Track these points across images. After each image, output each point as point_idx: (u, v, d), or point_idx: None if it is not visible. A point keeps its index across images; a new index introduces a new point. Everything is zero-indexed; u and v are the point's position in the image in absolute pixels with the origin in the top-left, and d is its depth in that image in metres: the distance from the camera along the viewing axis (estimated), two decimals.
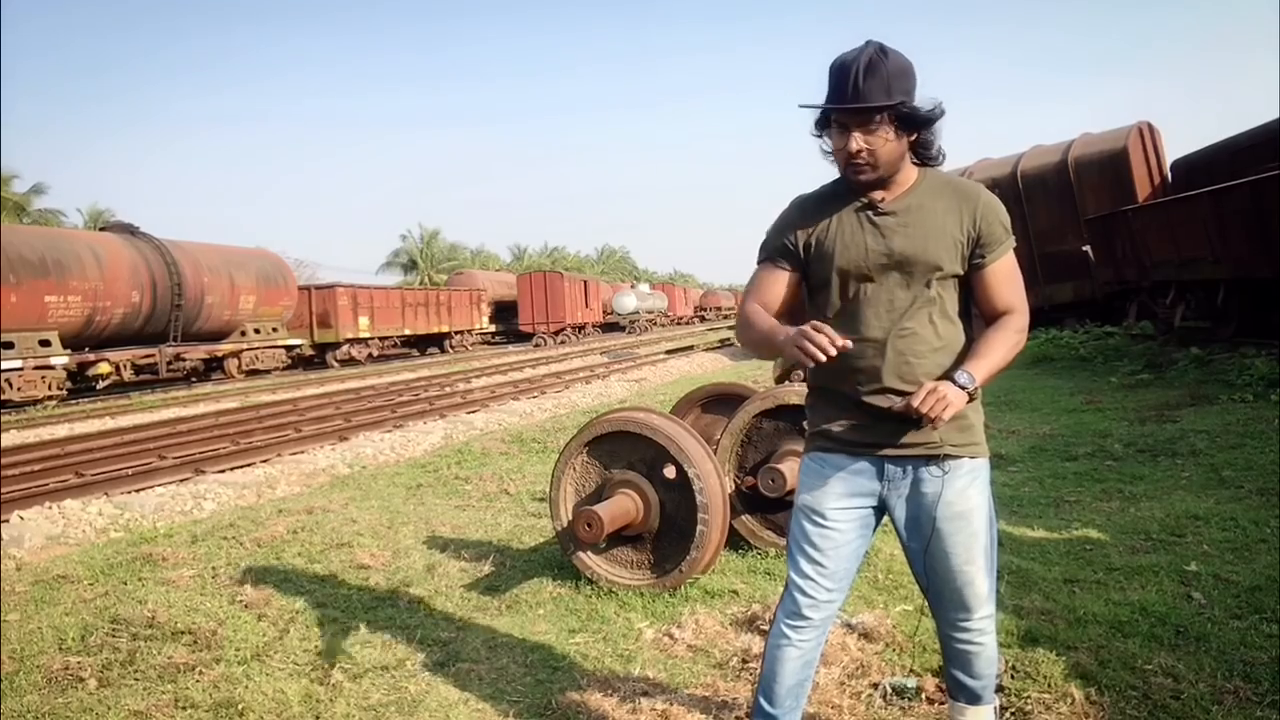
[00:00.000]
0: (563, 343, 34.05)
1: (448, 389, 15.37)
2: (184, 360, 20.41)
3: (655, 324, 45.92)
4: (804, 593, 1.95)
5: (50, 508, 6.26)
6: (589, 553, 3.60)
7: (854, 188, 1.91)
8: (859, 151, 1.82)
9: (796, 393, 3.93)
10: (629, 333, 40.24)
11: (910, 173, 1.92)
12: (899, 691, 2.54)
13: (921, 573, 1.99)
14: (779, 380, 4.39)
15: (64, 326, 16.23)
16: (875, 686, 2.59)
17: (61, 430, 12.06)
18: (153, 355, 18.80)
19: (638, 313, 42.17)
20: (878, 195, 1.90)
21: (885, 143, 1.82)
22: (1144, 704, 2.39)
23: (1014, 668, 2.62)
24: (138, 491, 7.04)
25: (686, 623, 3.13)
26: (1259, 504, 4.26)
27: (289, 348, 23.76)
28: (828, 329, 1.74)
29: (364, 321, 26.92)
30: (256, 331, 22.15)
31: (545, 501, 4.57)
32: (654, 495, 3.55)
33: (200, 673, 2.96)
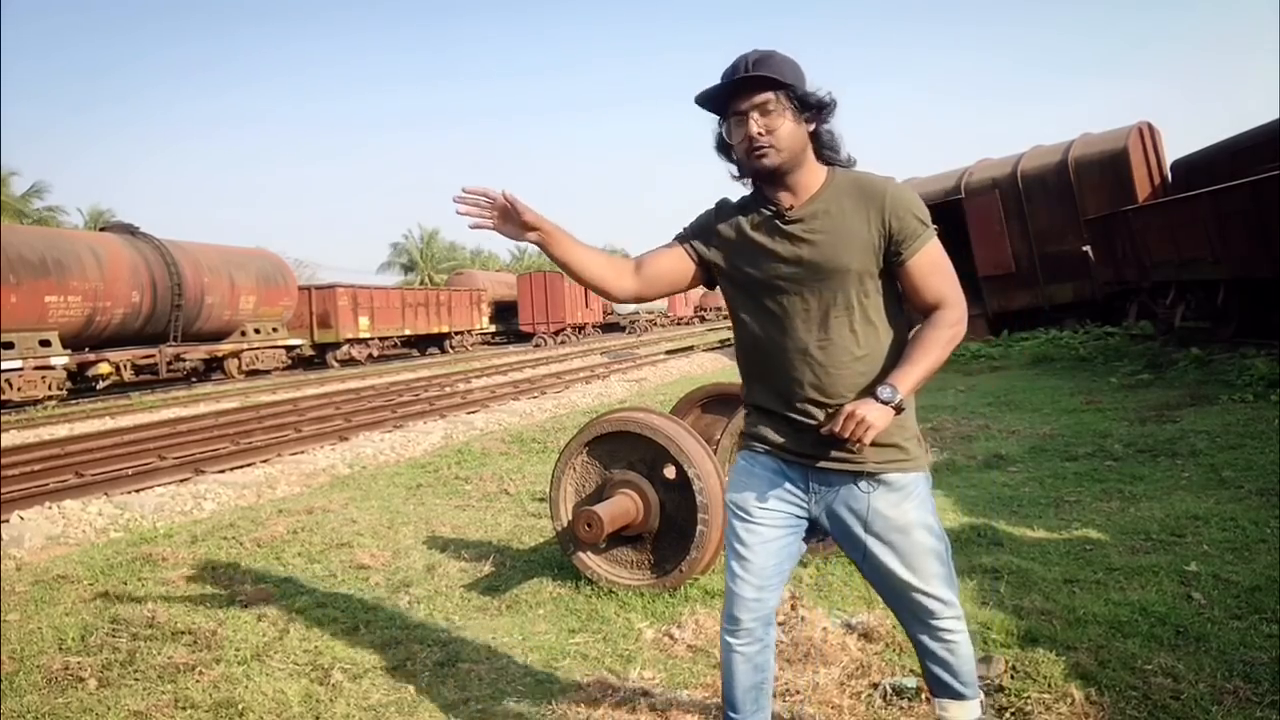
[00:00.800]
0: (563, 343, 34.06)
1: (448, 389, 15.37)
2: (184, 360, 20.42)
3: (655, 324, 45.91)
4: (733, 592, 1.95)
5: (50, 508, 6.26)
6: (589, 553, 3.60)
7: (761, 177, 1.88)
8: (759, 134, 1.80)
9: None
10: (629, 333, 40.23)
11: (817, 175, 1.88)
12: (899, 691, 2.54)
13: (870, 583, 1.98)
14: None
15: (64, 326, 16.23)
16: (875, 686, 2.59)
17: (61, 430, 12.07)
18: (153, 355, 18.81)
19: (637, 313, 42.17)
20: (785, 202, 1.87)
21: (784, 124, 1.80)
22: (1144, 704, 2.39)
23: (1014, 668, 2.62)
24: (138, 491, 7.03)
25: (686, 623, 3.13)
26: (1259, 504, 4.26)
27: (289, 348, 23.77)
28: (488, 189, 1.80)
29: (364, 321, 26.93)
30: (256, 331, 22.15)
31: (545, 501, 4.57)
32: (654, 495, 3.55)
33: (200, 673, 2.96)
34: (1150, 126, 15.20)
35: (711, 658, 2.89)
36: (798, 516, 1.94)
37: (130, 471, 7.99)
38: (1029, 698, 2.45)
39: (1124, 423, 6.80)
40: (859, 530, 1.88)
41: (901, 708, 2.49)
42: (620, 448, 3.65)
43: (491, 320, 37.35)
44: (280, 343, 23.11)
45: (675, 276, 2.00)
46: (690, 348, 23.16)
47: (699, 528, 3.41)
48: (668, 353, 21.90)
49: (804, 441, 1.88)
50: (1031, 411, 7.88)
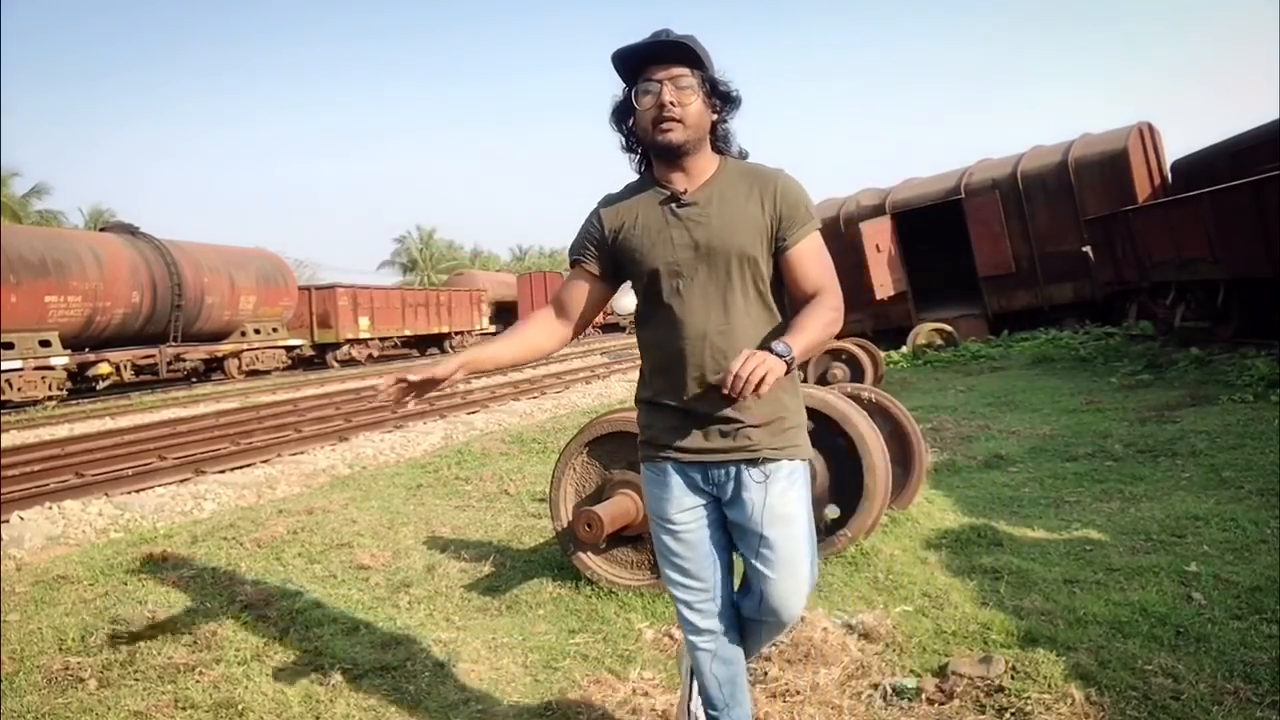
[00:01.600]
0: None
1: (448, 389, 15.37)
2: (184, 360, 20.42)
3: None
4: (684, 601, 1.99)
5: (50, 508, 6.27)
6: (589, 553, 3.60)
7: (659, 151, 1.87)
8: (670, 103, 1.80)
9: None
10: (629, 333, 40.24)
11: (711, 162, 1.91)
12: (899, 691, 2.54)
13: (750, 573, 1.99)
14: None
15: (64, 327, 16.24)
16: (875, 686, 2.59)
17: (61, 430, 12.07)
18: (153, 355, 18.81)
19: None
20: (679, 184, 1.88)
21: (693, 102, 1.82)
22: (1144, 704, 2.39)
23: (1014, 668, 2.62)
24: (138, 492, 7.04)
25: None
26: (1259, 504, 4.26)
27: (289, 348, 23.77)
28: (412, 380, 1.80)
29: (364, 322, 26.93)
30: (256, 332, 22.15)
31: (545, 502, 4.57)
32: None
33: (200, 673, 2.96)
34: (1150, 126, 15.21)
35: None
36: (709, 511, 1.97)
37: (130, 471, 8.00)
38: (1029, 698, 2.45)
39: (1124, 423, 6.80)
40: (753, 517, 1.90)
41: (901, 708, 2.49)
42: (620, 448, 3.65)
43: (491, 320, 37.34)
44: (280, 343, 23.11)
45: (593, 299, 2.01)
46: None
47: None
48: None
49: (700, 435, 1.89)
50: (1031, 411, 7.87)
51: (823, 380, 8.60)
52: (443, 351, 31.50)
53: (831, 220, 18.24)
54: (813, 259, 1.89)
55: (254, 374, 21.82)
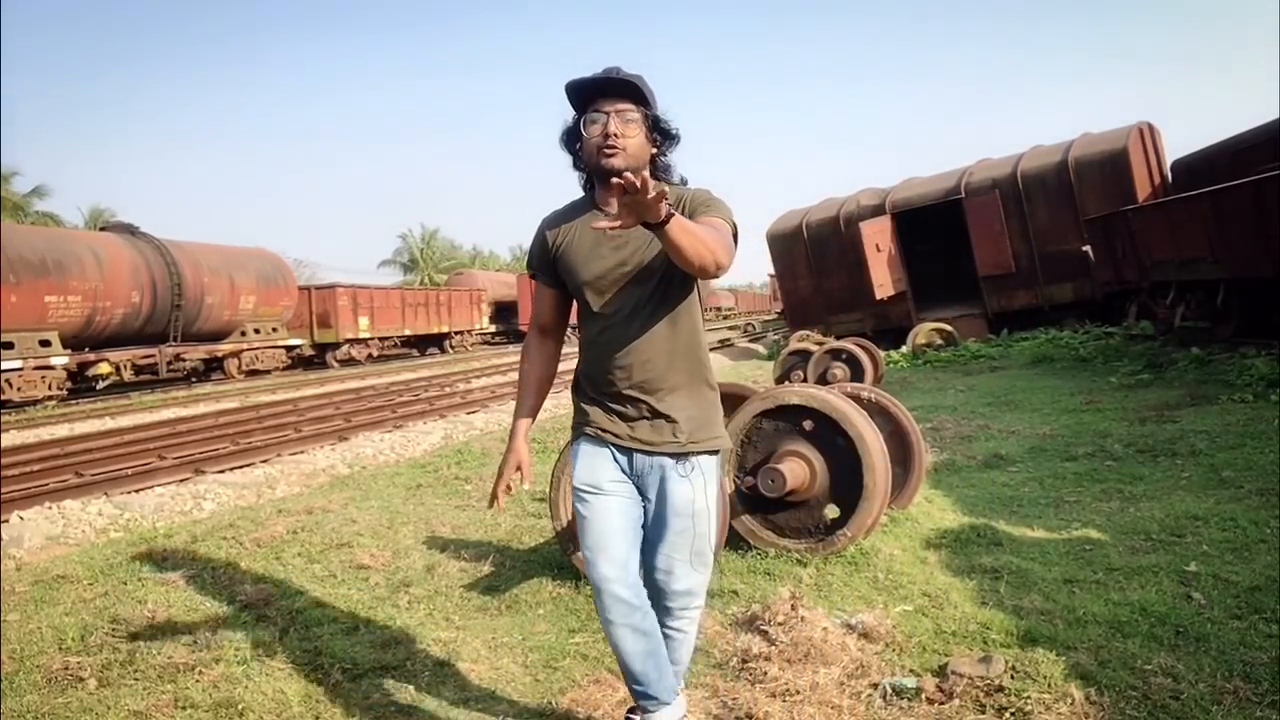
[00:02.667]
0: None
1: (448, 389, 15.38)
2: (184, 360, 20.42)
3: None
4: (604, 575, 2.06)
5: (50, 508, 6.27)
6: None
7: (601, 175, 2.03)
8: (615, 134, 1.97)
9: (797, 393, 3.93)
10: None
11: None
12: (899, 691, 2.54)
13: (653, 561, 2.13)
14: (779, 380, 4.39)
15: (64, 326, 16.23)
16: (875, 686, 2.59)
17: (61, 430, 12.07)
18: (153, 355, 18.80)
19: None
20: (614, 209, 1.96)
21: (636, 135, 2.01)
22: (1144, 704, 2.39)
23: (1014, 668, 2.62)
24: (138, 491, 7.04)
25: None
26: (1259, 504, 4.26)
27: (289, 348, 23.76)
28: (501, 496, 2.14)
29: (364, 321, 26.93)
30: (256, 331, 22.15)
31: (545, 501, 4.57)
32: None
33: (200, 673, 2.96)
34: (1150, 126, 15.21)
35: (711, 657, 2.89)
36: (634, 490, 2.13)
37: (130, 471, 8.00)
38: (1029, 698, 2.45)
39: (1124, 423, 6.80)
40: (665, 508, 2.09)
41: (901, 708, 2.49)
42: None
43: (491, 320, 37.33)
44: (280, 343, 23.11)
45: (561, 305, 2.22)
46: None
47: None
48: None
49: (628, 428, 2.09)
50: (1031, 411, 7.88)
51: (823, 380, 8.60)
52: (442, 351, 31.48)
53: (831, 220, 18.26)
54: (712, 223, 1.95)
55: (254, 374, 21.81)
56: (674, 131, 2.09)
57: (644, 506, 2.13)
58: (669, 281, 2.03)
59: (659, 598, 2.15)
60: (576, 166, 2.13)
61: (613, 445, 2.10)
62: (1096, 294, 14.55)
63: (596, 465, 2.11)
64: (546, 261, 2.14)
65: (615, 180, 1.70)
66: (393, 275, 56.45)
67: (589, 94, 2.02)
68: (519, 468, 2.18)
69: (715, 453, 2.13)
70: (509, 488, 2.17)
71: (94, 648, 3.27)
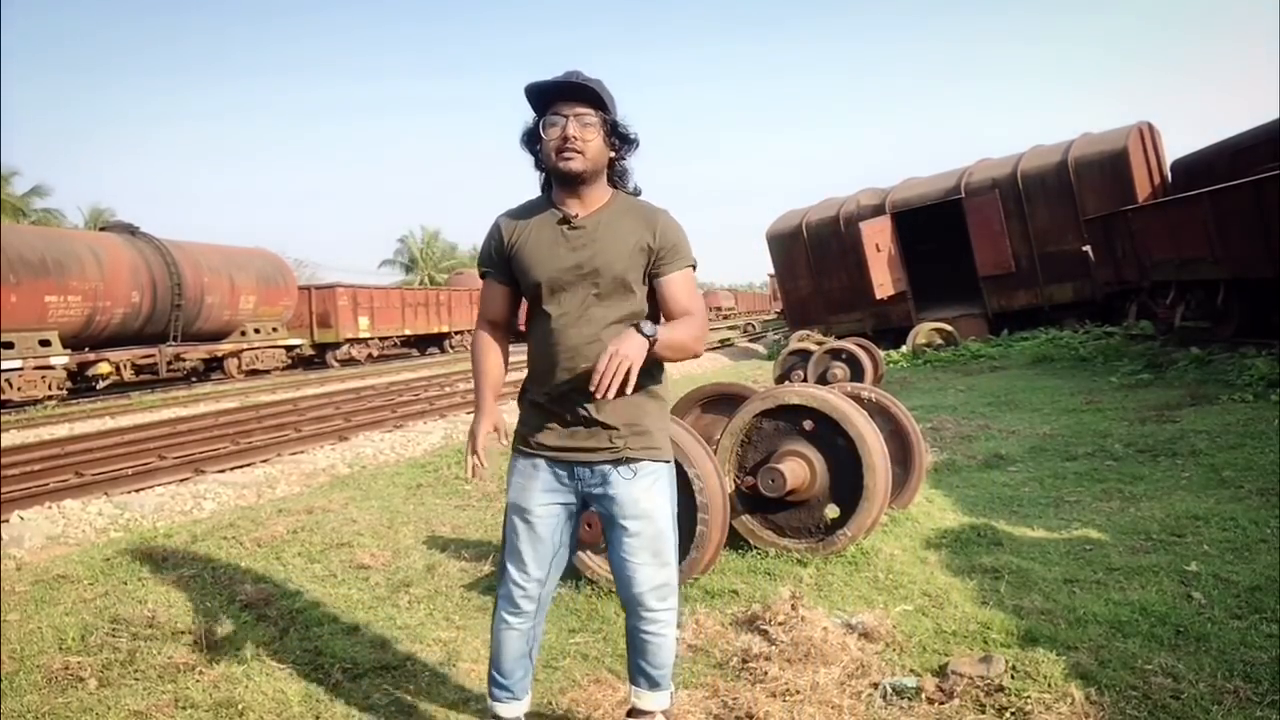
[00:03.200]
0: None
1: (448, 389, 15.36)
2: (184, 360, 20.41)
3: None
4: (515, 583, 2.19)
5: (50, 508, 6.26)
6: (589, 553, 3.60)
7: (560, 177, 2.07)
8: (573, 136, 2.00)
9: (797, 393, 3.93)
10: None
11: (604, 193, 2.13)
12: (899, 691, 2.54)
13: (615, 567, 2.20)
14: (779, 380, 4.39)
15: (64, 326, 16.22)
16: (875, 686, 2.59)
17: (61, 430, 12.06)
18: (153, 355, 18.80)
19: None
20: (572, 210, 2.09)
21: (594, 139, 2.04)
22: (1144, 704, 2.39)
23: (1014, 668, 2.62)
24: (138, 491, 7.03)
25: (686, 623, 3.13)
26: (1259, 504, 4.26)
27: (289, 348, 23.75)
28: (480, 455, 2.14)
29: (364, 321, 26.92)
30: (256, 331, 22.14)
31: None
32: None
33: (200, 673, 2.96)
34: (1150, 126, 15.21)
35: (711, 657, 2.89)
36: (569, 506, 2.18)
37: (130, 471, 7.99)
38: (1029, 698, 2.45)
39: (1124, 423, 6.80)
40: (620, 511, 2.11)
41: (901, 708, 2.48)
42: None
43: None
44: (280, 343, 23.10)
45: (510, 304, 2.23)
46: None
47: (699, 528, 3.41)
48: None
49: (569, 436, 2.11)
50: (1031, 411, 7.88)
51: (823, 380, 8.60)
52: (442, 351, 31.48)
53: (831, 220, 18.26)
54: (684, 289, 2.11)
55: (254, 374, 21.81)
56: (632, 136, 2.13)
57: (599, 512, 2.17)
58: (623, 287, 2.06)
59: (630, 603, 2.19)
60: (537, 167, 2.16)
61: (549, 459, 2.14)
62: (1096, 294, 14.55)
63: (528, 487, 2.16)
64: (502, 258, 2.15)
65: (592, 390, 1.85)
66: (393, 275, 56.49)
67: (549, 97, 2.05)
68: (495, 428, 2.20)
69: (658, 462, 2.15)
70: (480, 463, 2.19)
71: (94, 648, 3.26)
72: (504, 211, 2.20)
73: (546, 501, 2.15)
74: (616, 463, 2.10)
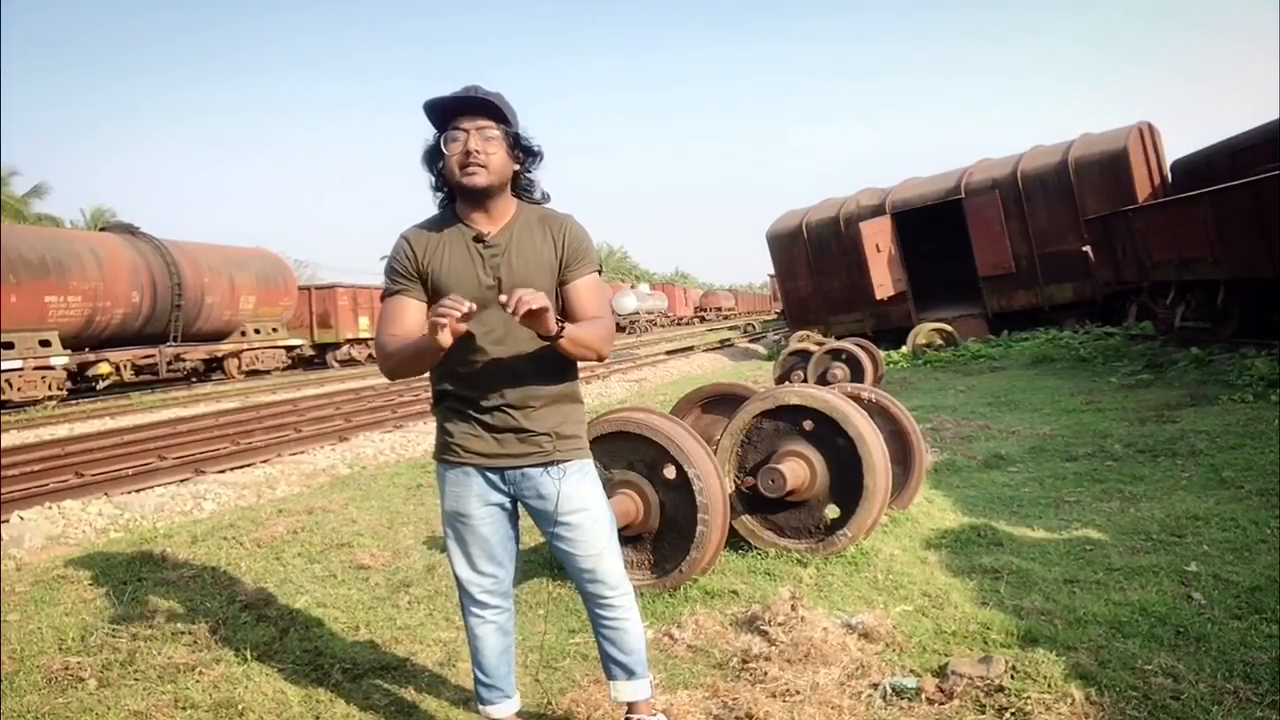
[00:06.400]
0: None
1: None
2: (184, 360, 20.41)
3: (655, 324, 45.88)
4: (471, 582, 2.27)
5: (50, 508, 6.26)
6: None
7: (464, 193, 2.08)
8: (476, 151, 2.01)
9: (797, 393, 3.93)
10: (629, 333, 40.20)
11: (510, 205, 2.14)
12: (899, 691, 2.54)
13: (565, 562, 2.26)
14: (779, 380, 4.39)
15: (64, 327, 16.24)
16: (875, 686, 2.59)
17: (61, 430, 12.06)
18: (153, 355, 18.81)
19: (638, 313, 42.08)
20: (482, 226, 2.11)
21: (498, 152, 2.04)
22: (1144, 704, 2.39)
23: (1014, 668, 2.62)
24: (138, 491, 7.03)
25: (686, 623, 3.13)
26: (1259, 504, 4.26)
27: (289, 348, 23.77)
28: (455, 298, 1.87)
29: (364, 321, 26.92)
30: (256, 332, 22.15)
31: None
32: (654, 495, 3.54)
33: (200, 673, 2.96)
34: (1150, 126, 15.21)
35: (711, 657, 2.89)
36: (505, 509, 2.24)
37: (130, 471, 7.99)
38: (1029, 698, 2.45)
39: (1124, 423, 6.80)
40: (553, 510, 2.16)
41: (901, 708, 2.48)
42: (620, 448, 3.65)
43: None
44: (280, 343, 23.11)
45: (420, 321, 2.12)
46: (690, 348, 23.16)
47: (699, 528, 3.42)
48: (668, 353, 21.89)
49: (499, 444, 2.15)
50: (1031, 411, 7.88)
51: (823, 380, 8.60)
52: None
53: (831, 220, 18.27)
54: (591, 294, 2.16)
55: (254, 374, 21.81)
56: (536, 149, 2.14)
57: (531, 511, 2.22)
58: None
59: (588, 595, 2.25)
60: (436, 188, 2.16)
61: (479, 467, 2.17)
62: (1096, 294, 14.55)
63: (463, 495, 2.19)
64: (418, 275, 2.11)
65: (501, 299, 1.85)
66: None
67: (449, 112, 2.05)
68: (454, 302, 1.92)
69: (583, 460, 2.22)
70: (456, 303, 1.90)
71: (94, 648, 3.27)
72: (409, 229, 2.16)
73: (483, 504, 2.20)
74: (546, 465, 2.16)
